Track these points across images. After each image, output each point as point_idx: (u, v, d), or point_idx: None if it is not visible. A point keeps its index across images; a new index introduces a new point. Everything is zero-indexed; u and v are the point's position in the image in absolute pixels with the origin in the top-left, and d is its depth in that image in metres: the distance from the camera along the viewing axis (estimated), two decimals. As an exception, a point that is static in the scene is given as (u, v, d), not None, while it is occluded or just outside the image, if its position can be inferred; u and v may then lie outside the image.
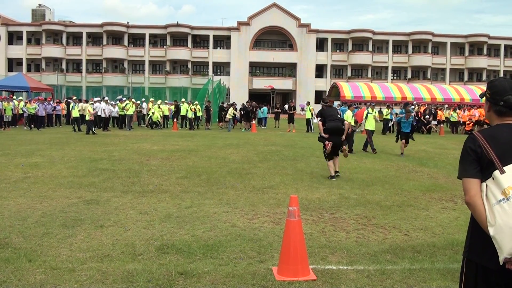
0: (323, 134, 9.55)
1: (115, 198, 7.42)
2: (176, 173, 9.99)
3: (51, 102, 26.81)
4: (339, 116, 10.87)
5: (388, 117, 25.43)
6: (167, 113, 28.24)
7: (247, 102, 31.05)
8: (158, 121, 26.78)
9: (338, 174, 9.77)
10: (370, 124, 15.88)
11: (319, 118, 10.02)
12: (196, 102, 28.47)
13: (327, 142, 9.44)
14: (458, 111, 27.26)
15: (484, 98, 2.44)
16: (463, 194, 2.25)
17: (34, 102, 24.72)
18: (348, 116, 14.93)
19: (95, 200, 7.21)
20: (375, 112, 16.36)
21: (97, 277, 4.13)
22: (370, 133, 15.48)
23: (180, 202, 7.17)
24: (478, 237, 2.24)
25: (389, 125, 25.84)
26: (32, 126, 24.16)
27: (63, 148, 14.79)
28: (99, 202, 7.08)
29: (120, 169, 10.42)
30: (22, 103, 24.96)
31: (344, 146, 9.93)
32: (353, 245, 5.19)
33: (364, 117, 16.44)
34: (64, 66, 57.57)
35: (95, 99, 25.74)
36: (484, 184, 2.19)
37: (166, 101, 30.12)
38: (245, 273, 4.29)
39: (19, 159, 11.89)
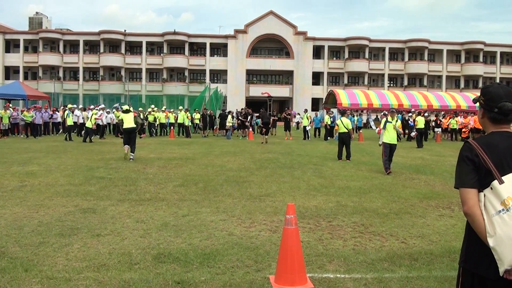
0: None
1: (111, 206, 7.40)
2: (173, 181, 9.98)
3: (48, 110, 26.79)
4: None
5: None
6: (164, 121, 28.25)
7: (242, 109, 31.07)
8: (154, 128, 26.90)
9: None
10: (389, 136, 12.12)
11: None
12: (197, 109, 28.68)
13: None
14: (456, 118, 27.34)
15: (478, 104, 2.40)
16: (461, 203, 2.23)
17: (31, 110, 24.69)
18: (348, 123, 14.93)
19: (91, 209, 7.19)
20: (396, 121, 12.36)
21: (94, 286, 4.12)
22: (387, 147, 12.01)
23: (177, 211, 7.15)
24: (475, 246, 2.22)
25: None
26: (29, 134, 24.12)
27: (60, 156, 14.76)
28: (96, 211, 7.06)
29: (117, 178, 10.40)
30: (8, 112, 24.65)
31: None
32: (350, 253, 5.19)
33: (381, 126, 12.44)
34: (61, 74, 57.55)
35: (100, 106, 25.73)
36: (482, 194, 2.16)
37: (163, 109, 30.13)
38: (242, 282, 4.28)
39: (15, 167, 11.86)
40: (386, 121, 12.25)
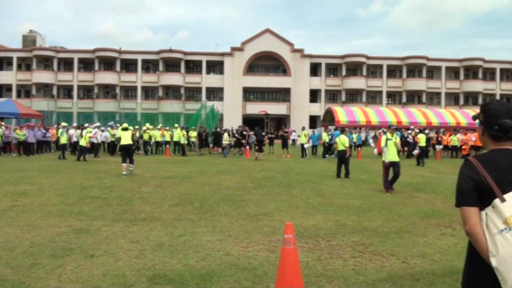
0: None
1: (105, 226, 7.35)
2: (168, 200, 9.94)
3: (41, 129, 26.77)
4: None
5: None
6: (159, 139, 28.25)
7: (239, 126, 31.14)
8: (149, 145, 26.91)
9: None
10: (390, 154, 11.92)
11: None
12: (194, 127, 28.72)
13: None
14: (458, 135, 27.42)
15: (478, 121, 2.41)
16: (462, 222, 2.23)
17: (23, 129, 24.66)
18: (345, 141, 14.99)
19: (85, 229, 7.14)
20: (396, 138, 12.28)
21: (87, 309, 4.06)
22: (387, 166, 11.88)
23: (173, 231, 7.11)
24: (477, 266, 2.20)
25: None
26: (21, 153, 24.06)
27: (53, 175, 14.70)
28: (90, 231, 7.01)
29: (111, 197, 10.35)
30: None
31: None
32: (350, 273, 5.15)
33: (383, 144, 12.13)
34: (55, 92, 57.68)
35: (94, 125, 25.72)
36: (483, 212, 2.15)
37: (159, 127, 30.15)
38: (239, 303, 4.23)
39: (7, 187, 11.80)
40: (387, 139, 12.05)
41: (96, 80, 57.29)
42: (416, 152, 21.68)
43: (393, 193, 11.44)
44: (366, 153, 28.59)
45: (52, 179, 13.58)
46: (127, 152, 15.49)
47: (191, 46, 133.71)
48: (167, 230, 7.13)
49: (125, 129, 15.93)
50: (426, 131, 27.30)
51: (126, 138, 15.64)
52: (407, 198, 10.86)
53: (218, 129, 30.17)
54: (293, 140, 39.23)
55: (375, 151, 13.33)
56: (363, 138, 31.56)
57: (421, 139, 22.29)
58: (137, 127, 28.49)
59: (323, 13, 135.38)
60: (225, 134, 26.43)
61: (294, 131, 39.81)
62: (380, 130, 29.91)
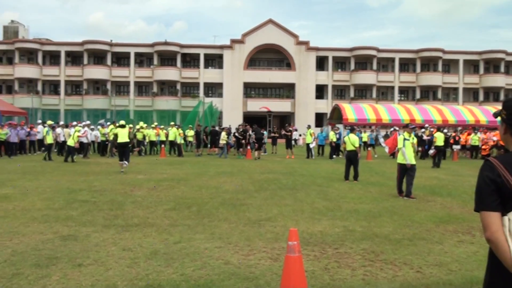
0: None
1: (95, 233, 7.34)
2: (163, 205, 9.94)
3: (24, 127, 26.79)
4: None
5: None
6: (154, 138, 28.26)
7: (239, 125, 31.04)
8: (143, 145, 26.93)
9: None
10: (408, 155, 11.71)
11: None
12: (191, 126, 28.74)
13: None
14: (478, 134, 27.31)
15: (500, 118, 2.39)
16: (482, 228, 2.21)
17: (5, 127, 24.66)
18: (355, 141, 14.92)
19: (73, 236, 7.13)
20: (413, 138, 12.03)
21: (74, 322, 4.05)
22: (403, 169, 11.73)
23: (168, 237, 7.10)
24: (499, 275, 2.18)
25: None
26: (3, 153, 24.08)
27: (37, 177, 14.71)
28: (78, 238, 7.01)
29: (102, 201, 10.35)
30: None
31: None
32: (359, 283, 5.14)
33: (400, 145, 11.90)
34: (39, 88, 57.84)
35: (83, 123, 25.74)
36: (506, 218, 2.14)
37: (153, 125, 30.16)
38: (240, 316, 4.22)
39: (-11, 190, 11.80)
40: (405, 139, 11.85)
41: (85, 75, 57.43)
42: (431, 152, 21.57)
43: (404, 197, 11.39)
44: (378, 153, 28.60)
45: (37, 182, 13.58)
46: (124, 150, 16.44)
47: (188, 38, 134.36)
48: (162, 237, 7.12)
49: (122, 126, 16.82)
50: (445, 130, 27.20)
51: (123, 136, 16.54)
52: (421, 202, 10.85)
53: (217, 128, 30.16)
54: (294, 140, 39.21)
55: (387, 149, 13.25)
56: (373, 137, 31.48)
57: (439, 138, 21.88)
58: (130, 125, 28.50)
59: (330, 3, 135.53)
60: (223, 133, 26.38)
61: (296, 129, 39.78)
62: (392, 129, 29.89)
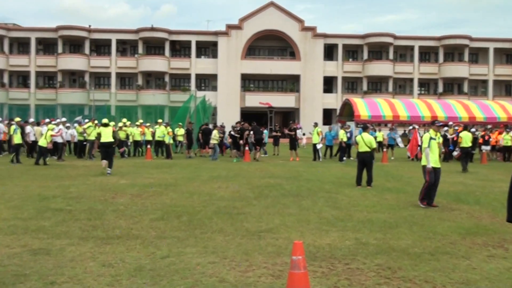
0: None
1: (71, 246, 7.33)
2: (149, 214, 9.93)
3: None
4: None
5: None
6: (139, 138, 28.24)
7: (236, 123, 30.92)
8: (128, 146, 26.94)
9: None
10: (433, 157, 11.49)
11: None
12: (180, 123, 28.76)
13: None
14: (511, 133, 27.24)
15: None
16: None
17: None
18: (370, 141, 14.84)
19: (44, 250, 7.12)
20: (439, 138, 11.79)
21: None
22: (432, 174, 11.44)
23: (155, 251, 7.09)
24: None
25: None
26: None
27: (3, 183, 14.70)
28: (50, 252, 6.99)
29: (78, 209, 10.34)
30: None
31: None
32: (374, 304, 5.12)
33: (426, 145, 11.57)
34: (6, 80, 57.95)
35: (57, 120, 25.72)
36: None
37: (138, 123, 30.16)
38: None
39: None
40: (431, 138, 11.54)
41: (59, 65, 57.47)
42: (456, 154, 21.50)
43: (426, 206, 11.38)
44: (394, 155, 28.61)
45: (3, 188, 13.57)
46: (107, 151, 17.17)
47: (178, 23, 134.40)
48: (147, 251, 7.11)
49: (106, 125, 17.42)
50: (473, 129, 27.11)
51: (106, 135, 17.11)
52: (444, 211, 10.84)
53: (210, 126, 30.09)
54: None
55: (408, 154, 13.16)
56: (392, 136, 31.39)
57: (465, 138, 21.57)
58: (113, 123, 28.50)
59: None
60: (214, 132, 26.30)
61: (300, 127, 39.82)
62: (411, 127, 29.88)
